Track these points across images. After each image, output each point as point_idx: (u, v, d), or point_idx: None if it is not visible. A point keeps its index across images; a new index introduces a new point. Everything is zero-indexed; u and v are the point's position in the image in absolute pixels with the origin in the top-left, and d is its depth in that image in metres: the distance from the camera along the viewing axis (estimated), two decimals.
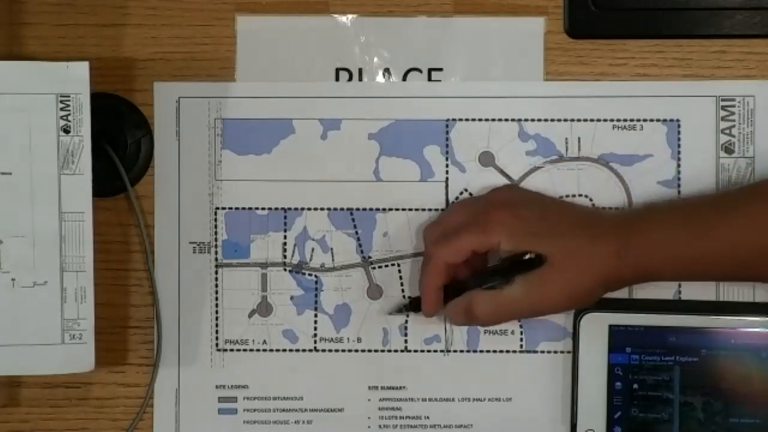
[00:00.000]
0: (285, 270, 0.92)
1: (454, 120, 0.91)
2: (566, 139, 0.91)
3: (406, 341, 0.92)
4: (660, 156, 0.91)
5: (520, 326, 0.91)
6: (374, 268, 0.92)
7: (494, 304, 0.86)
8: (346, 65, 0.91)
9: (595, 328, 0.89)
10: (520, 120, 0.91)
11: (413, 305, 0.90)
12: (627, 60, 0.91)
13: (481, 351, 0.92)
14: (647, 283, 0.89)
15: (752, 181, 0.90)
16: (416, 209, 0.92)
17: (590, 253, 0.84)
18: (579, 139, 0.91)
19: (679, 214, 0.85)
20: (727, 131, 0.91)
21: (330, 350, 0.92)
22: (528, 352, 0.91)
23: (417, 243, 0.92)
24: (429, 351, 0.92)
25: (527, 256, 0.85)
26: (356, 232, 0.92)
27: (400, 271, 0.92)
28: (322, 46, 0.91)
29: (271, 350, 0.92)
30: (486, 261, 0.88)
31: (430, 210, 0.92)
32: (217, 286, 0.92)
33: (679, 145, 0.91)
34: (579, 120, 0.91)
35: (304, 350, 0.92)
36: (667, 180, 0.91)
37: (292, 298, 0.92)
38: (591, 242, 0.85)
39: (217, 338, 0.92)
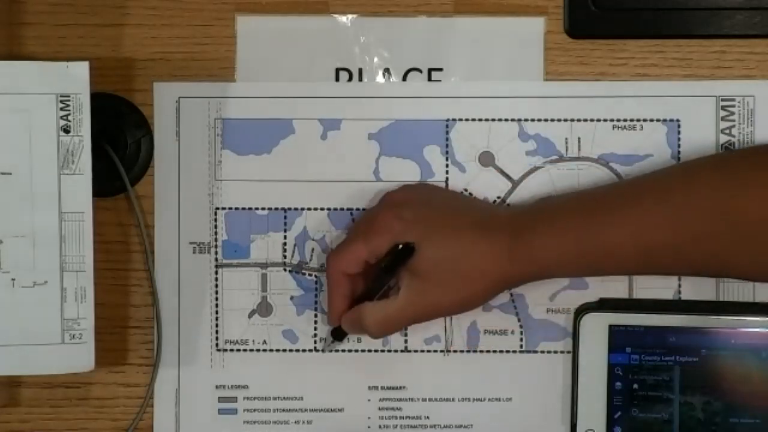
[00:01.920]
0: (285, 270, 0.92)
1: (454, 120, 0.91)
2: (566, 139, 0.91)
3: (406, 341, 0.92)
4: (660, 156, 0.91)
5: (520, 326, 0.91)
6: None
7: (381, 314, 0.85)
8: (346, 65, 0.91)
9: (595, 328, 0.89)
10: (520, 120, 0.91)
11: (335, 334, 0.90)
12: (627, 60, 0.91)
13: (481, 351, 0.92)
14: (647, 283, 0.90)
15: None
16: None
17: (476, 247, 0.84)
18: (579, 139, 0.91)
19: (569, 211, 0.84)
20: (727, 131, 0.91)
21: (335, 350, 0.92)
22: (528, 352, 0.91)
23: None
24: (429, 351, 0.92)
25: (399, 247, 0.84)
26: None
27: None
28: (322, 46, 0.91)
29: (271, 350, 0.92)
30: None
31: None
32: (217, 286, 0.92)
33: (679, 145, 0.91)
34: (579, 120, 0.91)
35: (304, 350, 0.92)
36: None
37: (292, 298, 0.92)
38: (479, 241, 0.84)
39: (217, 338, 0.92)
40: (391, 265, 0.84)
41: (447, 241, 0.84)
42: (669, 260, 0.83)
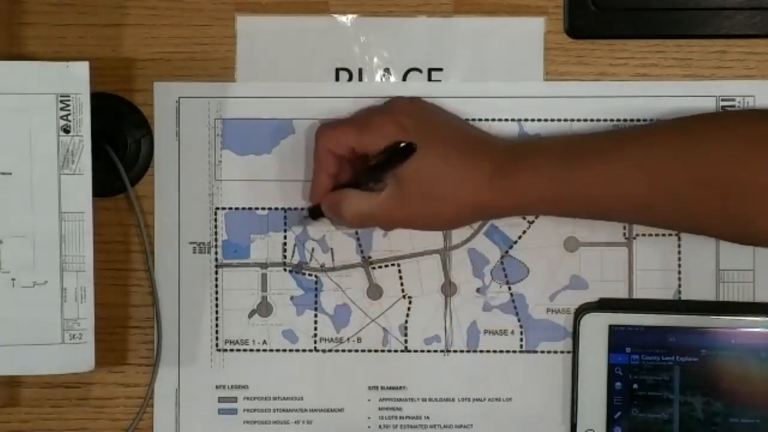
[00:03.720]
0: (285, 270, 0.92)
1: None
2: None
3: (406, 341, 0.92)
4: None
5: (520, 326, 0.91)
6: (374, 268, 0.92)
7: (361, 205, 0.86)
8: (346, 65, 0.91)
9: (595, 328, 0.89)
10: (520, 120, 0.91)
11: (312, 212, 0.90)
12: (627, 60, 0.91)
13: (481, 351, 0.92)
14: (647, 283, 0.90)
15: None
16: None
17: (461, 169, 0.85)
18: None
19: (552, 152, 0.85)
20: None
21: (330, 350, 0.92)
22: (528, 352, 0.91)
23: (417, 243, 0.91)
24: (429, 351, 0.92)
25: (401, 145, 0.84)
26: (356, 232, 0.92)
27: (400, 271, 0.92)
28: (322, 46, 0.91)
29: (271, 350, 0.92)
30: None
31: None
32: (217, 286, 0.92)
33: None
34: (579, 120, 0.91)
35: (304, 350, 0.92)
36: None
37: (292, 298, 0.92)
38: (464, 160, 0.85)
39: (217, 338, 0.92)
40: (386, 162, 0.85)
41: (434, 157, 0.85)
42: (640, 211, 0.85)
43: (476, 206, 0.85)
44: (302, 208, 0.91)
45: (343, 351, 0.92)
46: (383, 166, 0.85)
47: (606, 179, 0.83)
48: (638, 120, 0.91)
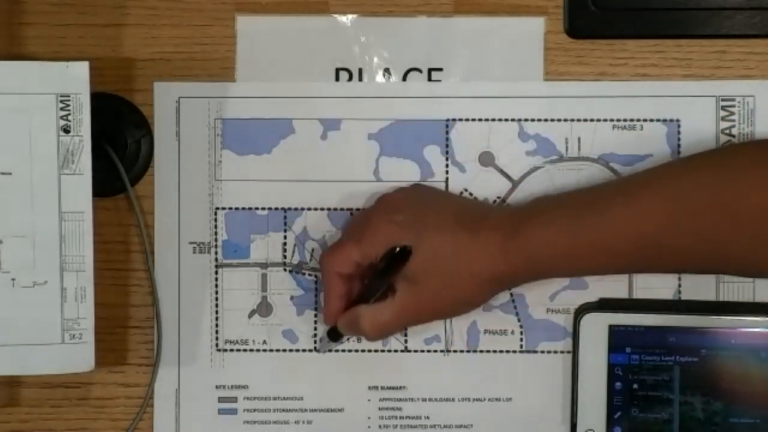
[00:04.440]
0: (285, 270, 0.92)
1: (454, 120, 0.92)
2: (566, 139, 0.91)
3: (406, 341, 0.92)
4: (660, 156, 0.91)
5: (520, 326, 0.91)
6: None
7: (376, 317, 0.85)
8: (346, 65, 0.91)
9: (595, 328, 0.89)
10: (520, 120, 0.91)
11: (331, 334, 0.90)
12: (627, 60, 0.91)
13: (481, 351, 0.92)
14: (647, 283, 0.90)
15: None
16: None
17: (470, 244, 0.83)
18: (579, 139, 0.91)
19: (562, 209, 0.84)
20: (727, 131, 0.91)
21: (330, 350, 0.92)
22: (528, 352, 0.91)
23: None
24: (429, 351, 0.92)
25: (396, 250, 0.84)
26: None
27: None
28: (322, 46, 0.91)
29: (271, 350, 0.92)
30: None
31: None
32: (217, 286, 0.92)
33: (679, 146, 0.91)
34: (579, 120, 0.91)
35: (304, 350, 0.92)
36: None
37: (292, 298, 0.92)
38: (471, 233, 0.83)
39: (217, 338, 0.92)
40: (387, 268, 0.84)
41: (439, 243, 0.84)
42: (665, 257, 0.83)
43: (493, 278, 0.84)
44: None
45: (343, 351, 0.92)
46: (387, 272, 0.84)
47: (623, 219, 0.81)
48: (637, 120, 0.91)
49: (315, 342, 0.92)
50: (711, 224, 0.80)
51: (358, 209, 0.92)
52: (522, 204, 0.89)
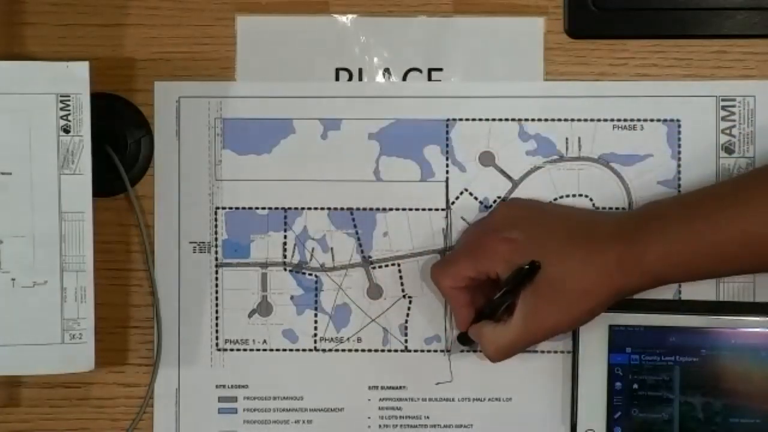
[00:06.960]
0: (285, 270, 0.92)
1: (454, 120, 0.92)
2: (566, 139, 0.91)
3: (406, 341, 0.92)
4: (660, 156, 0.91)
5: None
6: (374, 267, 0.92)
7: (498, 341, 0.86)
8: (346, 65, 0.91)
9: (595, 328, 0.89)
10: (520, 120, 0.91)
11: (461, 339, 0.90)
12: (627, 60, 0.91)
13: (481, 351, 0.91)
14: None
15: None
16: (416, 209, 0.92)
17: (588, 268, 0.83)
18: (579, 139, 0.91)
19: (676, 216, 0.84)
20: (728, 131, 0.91)
21: (330, 350, 0.92)
22: (528, 352, 0.91)
23: (417, 243, 0.92)
24: (429, 351, 0.92)
25: (525, 267, 0.84)
26: (356, 232, 0.92)
27: (400, 271, 0.92)
28: (322, 46, 0.91)
29: (271, 350, 0.92)
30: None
31: (430, 210, 0.92)
32: (217, 286, 0.92)
33: (679, 145, 0.91)
34: (579, 120, 0.91)
35: (304, 350, 0.92)
36: (667, 180, 0.91)
37: (292, 297, 0.92)
38: (589, 256, 0.84)
39: (217, 338, 0.92)
40: (514, 287, 0.84)
41: (558, 259, 0.84)
42: None
43: (612, 293, 0.84)
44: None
45: (343, 351, 0.92)
46: (513, 291, 0.84)
47: (735, 221, 0.81)
48: (637, 119, 0.91)
49: (316, 342, 0.92)
50: None
51: (358, 209, 0.92)
52: (631, 213, 0.89)
